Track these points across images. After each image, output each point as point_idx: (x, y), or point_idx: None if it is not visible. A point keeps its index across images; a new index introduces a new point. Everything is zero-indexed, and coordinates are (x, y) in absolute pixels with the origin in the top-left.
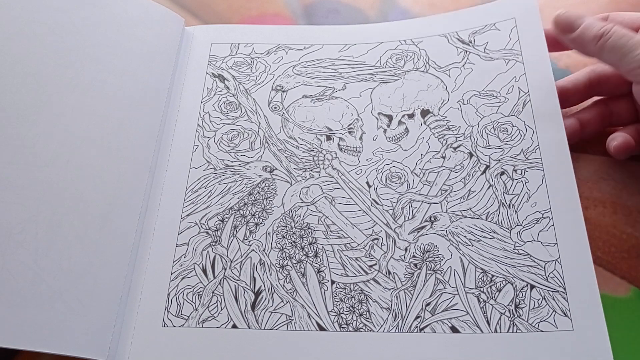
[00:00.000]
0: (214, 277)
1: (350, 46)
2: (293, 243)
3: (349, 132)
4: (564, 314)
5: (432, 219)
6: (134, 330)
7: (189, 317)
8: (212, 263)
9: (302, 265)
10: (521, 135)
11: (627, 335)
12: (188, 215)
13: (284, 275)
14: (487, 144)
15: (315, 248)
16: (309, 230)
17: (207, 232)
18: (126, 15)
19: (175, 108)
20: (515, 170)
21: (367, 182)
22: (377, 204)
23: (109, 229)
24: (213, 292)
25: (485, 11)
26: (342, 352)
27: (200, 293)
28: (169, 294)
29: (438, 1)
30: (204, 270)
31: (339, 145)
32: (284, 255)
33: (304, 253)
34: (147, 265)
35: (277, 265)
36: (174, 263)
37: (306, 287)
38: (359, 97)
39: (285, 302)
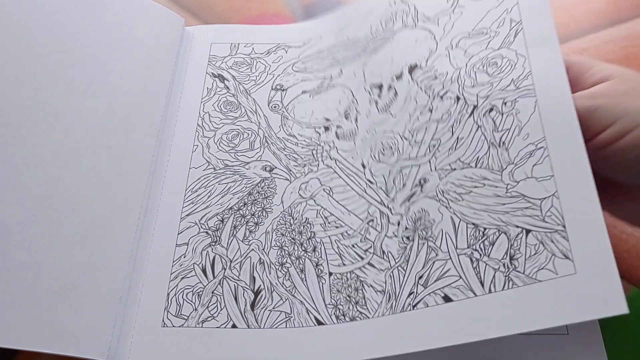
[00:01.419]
0: (214, 277)
1: (345, 28)
2: (292, 240)
3: (345, 117)
4: (565, 255)
5: (422, 181)
6: (133, 330)
7: (188, 317)
8: (211, 263)
9: (301, 261)
10: (512, 66)
11: (626, 336)
12: (188, 215)
13: (283, 272)
14: (475, 83)
15: (314, 242)
16: (308, 225)
17: (207, 232)
18: (126, 15)
19: (175, 108)
20: (505, 103)
21: (362, 164)
22: (371, 183)
23: (109, 229)
24: (213, 292)
25: None
26: (339, 345)
27: (200, 293)
28: (168, 294)
29: None
30: (204, 270)
31: (336, 133)
32: (283, 253)
33: (303, 249)
34: (147, 265)
35: (276, 263)
36: (174, 263)
37: (305, 282)
38: (353, 77)
39: (284, 300)
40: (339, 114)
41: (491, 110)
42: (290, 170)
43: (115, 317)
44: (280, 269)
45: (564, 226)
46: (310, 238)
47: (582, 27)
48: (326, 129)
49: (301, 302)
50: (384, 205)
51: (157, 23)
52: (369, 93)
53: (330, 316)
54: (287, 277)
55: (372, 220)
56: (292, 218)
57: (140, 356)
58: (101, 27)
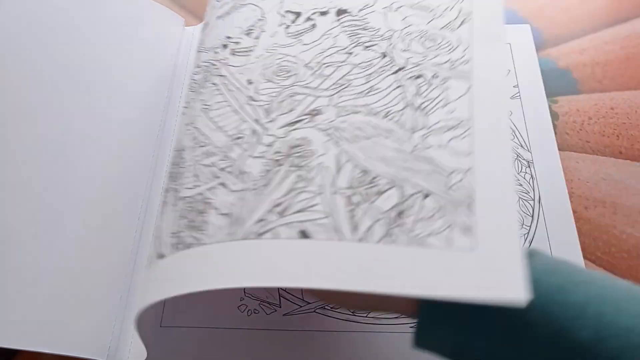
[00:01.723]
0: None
1: None
2: (169, 175)
3: (247, 34)
4: (466, 230)
5: (314, 112)
6: (134, 330)
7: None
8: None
9: (167, 195)
10: (451, 47)
11: None
12: None
13: (159, 214)
14: (408, 48)
15: (180, 169)
16: (182, 151)
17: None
18: (126, 15)
19: (174, 107)
20: (435, 77)
21: (249, 80)
22: (253, 100)
23: (109, 229)
24: None
25: None
26: (172, 277)
27: None
28: None
29: None
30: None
31: (232, 50)
32: (164, 193)
33: (172, 179)
34: None
35: (159, 211)
36: None
37: (163, 216)
38: None
39: (153, 243)
40: (241, 31)
41: (418, 77)
42: (188, 102)
43: (115, 317)
44: (159, 215)
45: (473, 201)
46: (180, 166)
47: (582, 27)
48: (224, 46)
49: (157, 237)
50: (259, 123)
51: (157, 23)
52: (282, 16)
53: (169, 246)
54: (159, 218)
55: (240, 137)
56: (176, 151)
57: (140, 356)
58: (102, 27)
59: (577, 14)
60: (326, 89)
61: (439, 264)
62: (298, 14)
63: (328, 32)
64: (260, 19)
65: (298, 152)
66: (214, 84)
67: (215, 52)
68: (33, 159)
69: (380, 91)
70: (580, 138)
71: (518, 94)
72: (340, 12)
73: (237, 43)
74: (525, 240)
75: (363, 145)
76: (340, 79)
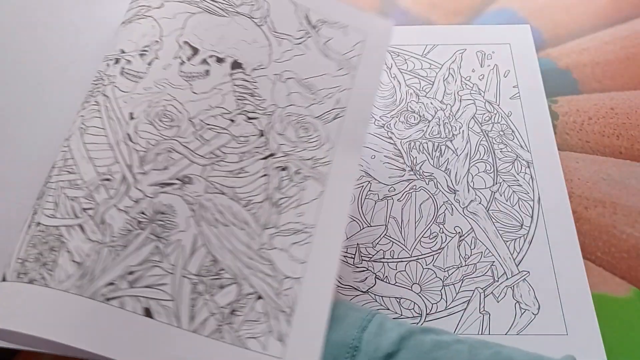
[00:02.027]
0: None
1: None
2: (40, 192)
3: (140, 55)
4: (280, 338)
5: (185, 179)
6: None
7: None
8: None
9: (29, 213)
10: (318, 144)
11: (626, 335)
12: None
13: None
14: (283, 133)
15: (45, 188)
16: (52, 167)
17: None
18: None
19: None
20: (298, 173)
21: (131, 114)
22: (130, 140)
23: None
24: None
25: (343, 11)
26: (12, 310)
27: None
28: None
29: (439, 2)
30: None
31: (122, 68)
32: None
33: (37, 197)
34: None
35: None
36: None
37: (20, 234)
38: (171, 19)
39: None
40: (135, 48)
41: (284, 169)
42: (76, 116)
43: None
44: (21, 228)
45: (292, 311)
46: (46, 184)
47: (582, 27)
48: (117, 61)
49: (8, 255)
50: (131, 172)
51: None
52: (180, 47)
53: (13, 272)
54: (18, 234)
55: (109, 179)
56: (52, 168)
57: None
58: (101, 25)
59: (577, 14)
60: (202, 156)
61: None
62: (196, 51)
63: (219, 87)
64: (157, 41)
65: (161, 221)
66: (96, 102)
67: (107, 65)
68: (33, 159)
69: (248, 176)
70: (580, 138)
71: (518, 94)
72: (235, 65)
73: (128, 62)
74: (525, 241)
75: (220, 232)
76: (216, 149)
